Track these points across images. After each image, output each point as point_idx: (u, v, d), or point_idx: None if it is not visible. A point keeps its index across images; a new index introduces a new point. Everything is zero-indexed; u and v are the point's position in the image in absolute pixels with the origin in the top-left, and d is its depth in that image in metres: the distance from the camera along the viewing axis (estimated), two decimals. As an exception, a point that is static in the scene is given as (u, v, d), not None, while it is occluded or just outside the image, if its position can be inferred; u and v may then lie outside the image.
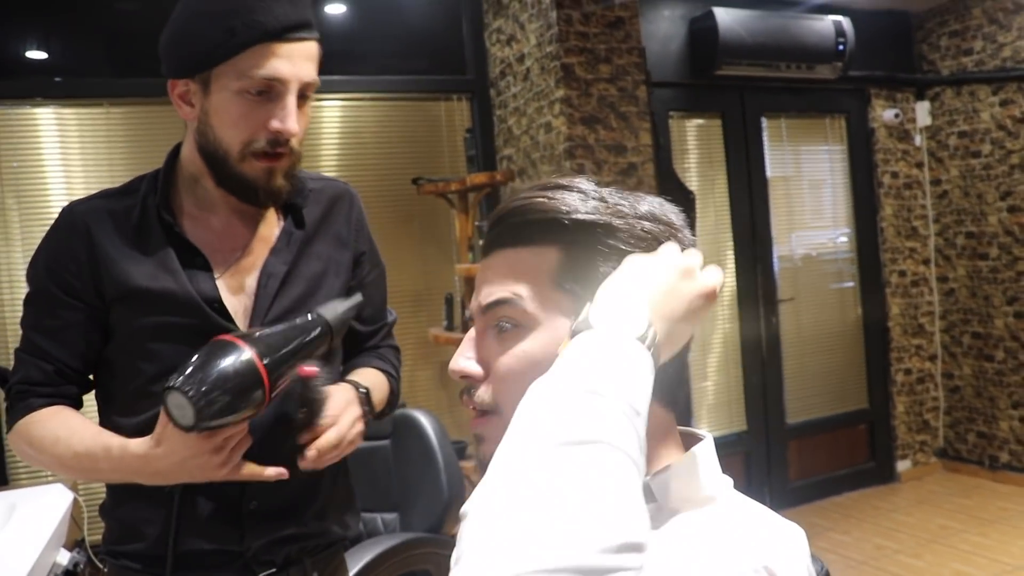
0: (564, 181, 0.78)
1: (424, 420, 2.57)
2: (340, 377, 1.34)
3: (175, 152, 1.29)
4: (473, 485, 0.61)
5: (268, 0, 1.12)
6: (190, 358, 1.04)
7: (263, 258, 1.27)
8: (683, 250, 0.75)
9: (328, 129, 3.67)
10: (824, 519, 4.30)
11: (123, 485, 1.22)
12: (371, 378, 1.37)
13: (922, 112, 4.83)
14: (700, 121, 4.40)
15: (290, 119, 1.16)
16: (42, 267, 1.24)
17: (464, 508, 0.55)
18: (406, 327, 3.80)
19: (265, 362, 1.05)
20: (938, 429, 4.93)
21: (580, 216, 0.74)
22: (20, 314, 1.27)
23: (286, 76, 1.14)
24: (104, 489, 1.33)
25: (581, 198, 0.76)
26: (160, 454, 1.09)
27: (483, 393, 0.76)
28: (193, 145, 1.22)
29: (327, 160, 3.65)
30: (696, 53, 4.17)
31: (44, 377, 1.22)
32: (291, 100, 1.16)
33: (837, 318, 4.78)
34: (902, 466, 4.81)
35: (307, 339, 1.12)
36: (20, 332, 1.27)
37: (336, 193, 1.38)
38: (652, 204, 0.79)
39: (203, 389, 1.00)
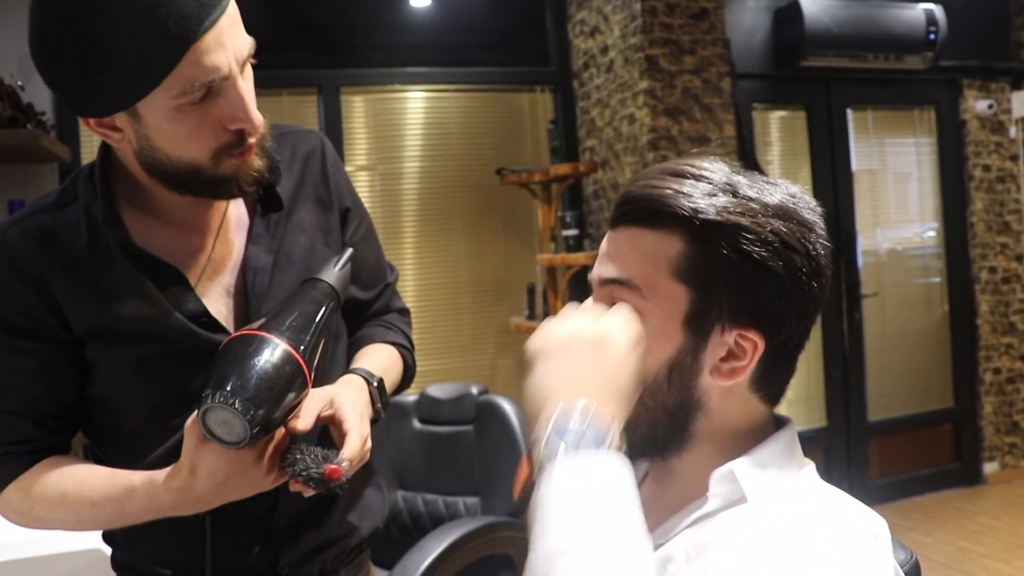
0: (696, 168, 0.78)
1: (507, 407, 2.62)
2: (348, 359, 1.23)
3: (107, 150, 1.07)
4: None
5: (174, 3, 0.88)
6: (216, 366, 0.91)
7: (237, 247, 1.12)
8: (804, 259, 0.75)
9: (412, 120, 3.75)
10: (906, 519, 4.21)
11: (134, 532, 1.09)
12: (383, 359, 1.21)
13: (1018, 103, 4.66)
14: (784, 113, 4.34)
15: (248, 111, 0.96)
16: None
17: None
18: (488, 316, 3.86)
19: (300, 349, 0.95)
20: (1028, 431, 4.78)
21: (707, 216, 0.74)
22: None
23: (226, 68, 0.93)
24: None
25: (710, 190, 0.76)
26: (199, 480, 0.95)
27: None
28: (135, 163, 1.03)
29: (411, 151, 3.73)
30: (781, 44, 4.11)
31: (17, 435, 1.05)
32: (239, 85, 0.95)
33: (923, 314, 4.66)
34: (989, 468, 4.67)
35: (325, 312, 1.02)
36: None
37: (307, 149, 1.20)
38: (785, 196, 0.78)
39: (248, 397, 0.88)
